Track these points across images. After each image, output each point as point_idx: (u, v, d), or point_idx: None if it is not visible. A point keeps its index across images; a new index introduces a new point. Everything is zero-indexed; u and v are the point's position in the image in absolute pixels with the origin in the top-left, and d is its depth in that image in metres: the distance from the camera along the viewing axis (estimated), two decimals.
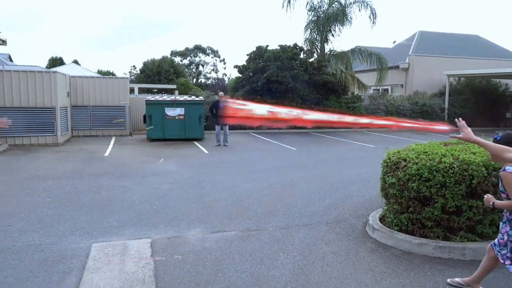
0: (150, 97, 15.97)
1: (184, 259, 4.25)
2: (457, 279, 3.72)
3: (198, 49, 62.57)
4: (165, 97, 16.65)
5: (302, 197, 6.85)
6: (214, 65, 64.08)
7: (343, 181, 8.16)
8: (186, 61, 61.69)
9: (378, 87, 24.21)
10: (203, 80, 61.86)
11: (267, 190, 7.39)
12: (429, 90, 23.79)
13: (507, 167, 3.10)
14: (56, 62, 58.97)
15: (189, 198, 6.72)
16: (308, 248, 4.58)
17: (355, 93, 21.36)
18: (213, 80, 61.14)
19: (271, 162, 10.57)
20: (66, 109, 14.26)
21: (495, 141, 3.36)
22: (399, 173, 4.64)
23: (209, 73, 64.37)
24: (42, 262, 4.13)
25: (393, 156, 4.95)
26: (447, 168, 4.31)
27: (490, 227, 4.38)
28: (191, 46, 62.26)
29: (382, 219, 5.23)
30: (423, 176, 4.39)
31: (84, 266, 4.05)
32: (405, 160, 4.72)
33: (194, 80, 59.53)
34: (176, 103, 14.83)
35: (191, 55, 62.63)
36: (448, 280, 3.75)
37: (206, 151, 12.28)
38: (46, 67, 49.67)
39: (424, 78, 24.21)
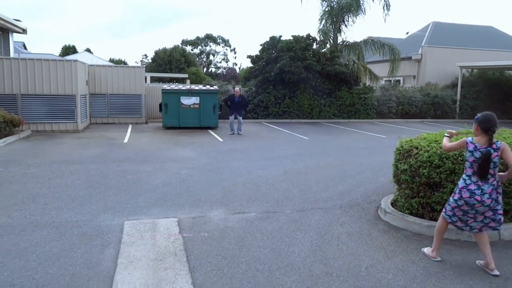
0: (166, 86, 16.32)
1: (210, 236, 4.63)
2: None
3: (209, 38, 62.76)
4: (181, 86, 17.00)
5: (317, 183, 7.18)
6: (225, 54, 64.27)
7: (355, 169, 8.46)
8: (197, 50, 61.96)
9: (390, 78, 24.24)
10: (213, 70, 62.16)
11: (282, 176, 7.73)
12: (441, 81, 23.79)
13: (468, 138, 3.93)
14: (69, 50, 59.66)
15: (209, 183, 7.09)
16: (324, 229, 4.92)
17: (367, 84, 21.48)
18: (224, 70, 61.41)
19: (285, 150, 10.89)
20: (85, 97, 14.71)
21: (475, 120, 3.94)
22: (411, 160, 4.94)
23: (220, 62, 64.61)
24: (82, 236, 4.53)
25: (405, 144, 5.24)
26: (456, 155, 4.60)
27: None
28: (202, 35, 62.46)
29: (393, 203, 5.54)
30: (434, 163, 4.68)
31: (120, 240, 4.45)
32: (417, 148, 5.01)
33: (205, 69, 59.84)
34: (191, 92, 15.18)
35: (202, 44, 62.86)
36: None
37: (220, 139, 12.64)
38: (59, 55, 50.37)
39: (437, 70, 24.20)
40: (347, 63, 20.08)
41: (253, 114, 18.91)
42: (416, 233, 4.77)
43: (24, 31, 17.77)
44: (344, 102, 19.95)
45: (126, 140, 11.93)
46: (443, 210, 4.07)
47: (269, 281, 3.59)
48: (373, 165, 8.71)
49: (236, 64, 64.50)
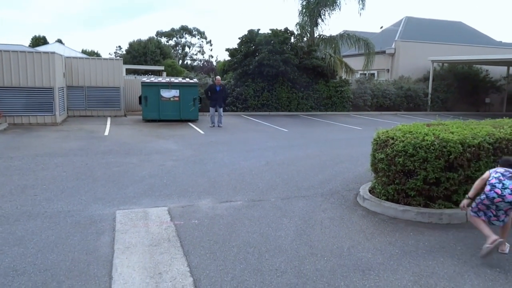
0: (145, 79, 16.28)
1: (200, 223, 4.87)
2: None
3: (185, 30, 62.16)
4: (160, 79, 16.99)
5: (298, 173, 7.50)
6: (201, 46, 63.85)
7: (334, 159, 8.83)
8: (172, 42, 61.30)
9: (365, 72, 24.87)
10: (189, 62, 61.70)
11: (265, 167, 8.02)
12: (414, 75, 24.60)
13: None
14: (39, 41, 57.76)
15: (194, 174, 7.30)
16: (307, 215, 5.24)
17: (343, 77, 22.00)
18: (199, 62, 61.04)
19: (266, 142, 11.18)
20: (63, 89, 14.52)
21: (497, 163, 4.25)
22: (387, 149, 5.31)
23: (195, 54, 64.18)
24: (76, 225, 4.68)
25: (382, 135, 5.61)
26: (429, 145, 4.99)
27: (464, 195, 5.08)
28: (177, 27, 61.80)
29: (371, 190, 5.92)
30: (408, 152, 5.06)
31: (113, 228, 4.63)
32: (392, 138, 5.38)
33: (180, 61, 59.30)
34: (171, 85, 15.22)
35: (177, 36, 62.22)
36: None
37: (202, 132, 12.80)
38: (29, 45, 48.71)
39: (410, 63, 25.00)
40: (323, 56, 20.50)
41: (232, 107, 19.09)
42: (392, 217, 5.16)
43: None
44: (321, 95, 20.39)
45: (106, 133, 11.93)
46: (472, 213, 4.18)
47: (259, 262, 3.87)
48: (351, 156, 9.11)
49: (212, 57, 64.23)
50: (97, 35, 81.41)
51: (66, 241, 4.22)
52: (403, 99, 22.23)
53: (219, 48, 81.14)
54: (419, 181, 5.04)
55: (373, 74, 26.14)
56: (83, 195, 5.83)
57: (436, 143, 4.99)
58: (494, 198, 3.91)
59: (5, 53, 12.62)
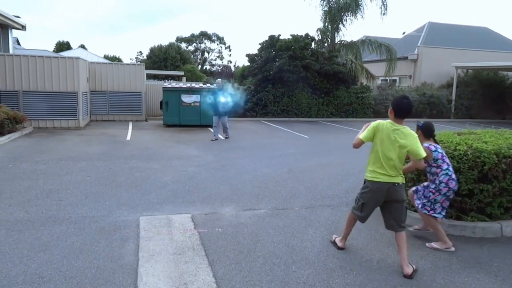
0: (166, 84, 16.41)
1: (224, 231, 4.79)
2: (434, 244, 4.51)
3: (204, 35, 62.78)
4: (181, 84, 17.11)
5: (322, 181, 7.36)
6: (220, 52, 64.35)
7: (357, 167, 8.65)
8: (191, 48, 61.95)
9: (387, 78, 24.52)
10: (208, 67, 62.20)
11: (287, 174, 7.91)
12: (437, 81, 24.13)
13: (425, 144, 4.39)
14: (63, 46, 59.23)
15: (216, 180, 7.25)
16: (333, 225, 5.10)
17: (364, 84, 21.73)
18: (218, 67, 61.45)
19: (287, 148, 11.07)
20: (86, 94, 14.76)
21: (418, 127, 4.53)
22: None
23: (214, 60, 64.70)
24: (100, 231, 4.67)
25: None
26: (462, 155, 4.80)
27: (498, 208, 4.88)
28: (196, 32, 62.43)
29: None
30: None
31: (137, 235, 4.59)
32: None
33: (200, 67, 59.83)
34: (192, 90, 15.29)
35: (197, 42, 62.88)
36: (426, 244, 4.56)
37: (222, 137, 12.77)
38: (53, 51, 49.96)
39: (432, 70, 24.55)
40: (345, 62, 20.31)
41: (252, 112, 19.08)
42: (421, 229, 4.97)
43: (23, 27, 17.75)
44: (342, 101, 20.17)
45: (129, 138, 12.03)
46: (430, 213, 4.49)
47: (286, 274, 3.77)
48: None
49: (231, 62, 64.67)
50: (118, 41, 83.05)
51: (91, 247, 4.20)
52: (426, 106, 21.77)
53: (238, 53, 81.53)
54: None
55: (394, 80, 25.77)
56: (107, 200, 5.84)
57: (469, 153, 4.80)
58: (455, 191, 4.51)
59: (31, 58, 12.92)
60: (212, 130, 12.76)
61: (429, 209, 4.51)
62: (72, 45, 59.23)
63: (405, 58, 24.91)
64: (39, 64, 12.91)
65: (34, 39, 79.54)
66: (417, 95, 21.87)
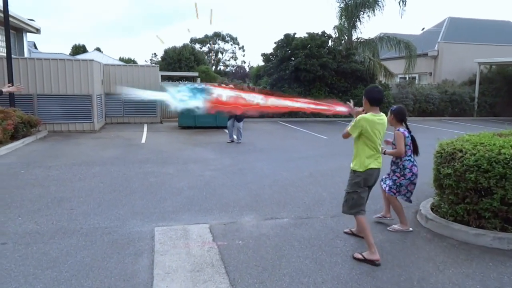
0: (182, 85, 16.14)
1: (245, 244, 4.41)
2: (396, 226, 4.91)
3: (217, 36, 62.62)
4: (196, 85, 16.82)
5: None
6: (233, 52, 64.12)
7: (382, 170, 8.16)
8: (205, 49, 61.87)
9: (405, 76, 23.82)
10: (222, 68, 62.04)
11: (308, 178, 7.50)
12: (458, 78, 23.33)
13: (400, 129, 4.76)
14: (79, 49, 59.91)
15: (234, 185, 6.89)
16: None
17: (383, 82, 21.11)
18: (232, 68, 61.23)
19: (306, 150, 10.65)
20: (101, 96, 14.60)
21: (391, 111, 4.85)
22: (455, 164, 4.66)
23: (228, 60, 64.51)
24: (113, 244, 4.35)
25: (447, 147, 4.97)
26: (508, 159, 4.32)
27: None
28: (210, 33, 62.34)
29: (433, 209, 5.28)
30: (482, 167, 4.41)
31: (152, 248, 4.26)
32: (461, 151, 4.73)
33: (214, 67, 59.70)
34: (207, 92, 14.96)
35: (210, 42, 62.75)
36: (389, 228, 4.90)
37: (238, 139, 12.41)
38: (70, 54, 50.57)
39: (454, 66, 23.74)
40: (362, 60, 19.74)
41: (268, 113, 18.67)
42: (462, 241, 4.51)
43: (37, 30, 17.76)
44: (360, 100, 19.49)
45: (143, 141, 11.78)
46: (394, 194, 4.89)
47: None
48: None
49: (244, 62, 64.38)
50: (133, 43, 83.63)
51: (102, 263, 3.88)
52: (448, 104, 21.08)
53: (251, 53, 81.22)
54: (496, 201, 4.37)
55: (414, 78, 25.02)
56: (121, 209, 5.53)
57: None
58: (417, 176, 4.87)
59: (45, 61, 12.79)
60: (227, 132, 12.42)
61: (395, 191, 4.88)
62: (88, 48, 59.90)
63: (425, 55, 24.15)
64: (53, 67, 12.76)
65: (51, 43, 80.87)
66: (438, 92, 21.19)
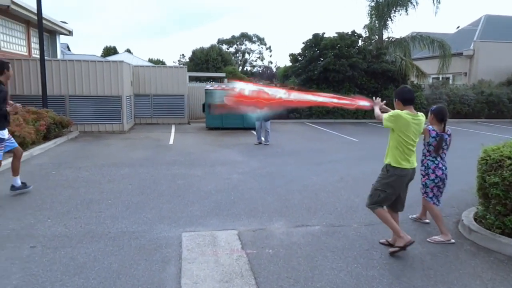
0: (209, 86, 16.13)
1: (276, 254, 4.22)
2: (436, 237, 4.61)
3: (245, 37, 62.75)
4: (224, 86, 16.77)
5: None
6: (260, 53, 64.06)
7: (417, 174, 7.79)
8: (232, 49, 62.08)
9: (438, 76, 23.01)
10: (248, 68, 62.06)
11: (339, 183, 7.23)
12: (495, 78, 22.34)
13: (430, 127, 4.71)
14: (110, 51, 61.35)
15: (262, 190, 6.71)
16: None
17: (414, 82, 20.45)
18: (259, 68, 61.14)
19: (335, 153, 10.35)
20: (130, 97, 14.76)
21: (431, 111, 4.79)
22: (504, 172, 4.32)
23: (255, 61, 64.49)
24: (140, 249, 4.25)
25: (493, 153, 4.62)
26: None
27: None
28: (237, 34, 62.53)
29: (477, 219, 4.93)
30: None
31: (180, 255, 4.13)
32: (509, 158, 4.38)
33: (240, 68, 59.81)
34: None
35: (237, 43, 62.92)
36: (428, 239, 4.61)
37: (266, 141, 12.23)
38: (101, 55, 51.84)
39: (490, 66, 22.75)
40: (394, 60, 19.18)
41: (295, 113, 18.43)
42: (511, 256, 4.16)
43: (70, 32, 18.17)
44: (391, 101, 18.97)
45: (171, 142, 11.79)
46: (423, 196, 4.80)
47: None
48: None
49: (271, 63, 64.18)
50: (162, 44, 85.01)
51: (129, 270, 3.78)
52: (484, 105, 20.20)
53: (278, 54, 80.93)
54: None
55: (447, 78, 24.13)
56: (148, 212, 5.46)
57: None
58: (444, 179, 4.74)
59: (77, 62, 13.02)
60: (255, 133, 12.26)
61: (423, 191, 4.78)
62: (118, 49, 61.26)
63: (460, 54, 23.26)
64: (84, 69, 12.98)
65: (84, 44, 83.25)
66: (473, 93, 20.33)
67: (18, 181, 6.10)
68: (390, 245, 4.45)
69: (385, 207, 4.31)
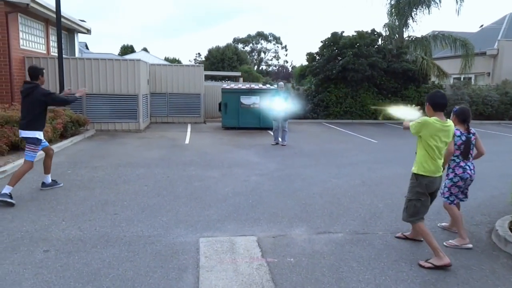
0: (225, 85, 15.98)
1: (298, 263, 4.00)
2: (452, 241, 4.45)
3: (260, 36, 62.54)
4: (240, 85, 16.60)
5: (403, 198, 6.31)
6: (276, 52, 63.77)
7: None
8: (248, 48, 61.95)
9: (460, 76, 22.38)
10: (264, 67, 61.84)
11: (361, 187, 6.96)
12: None
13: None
14: (127, 49, 61.97)
15: (282, 193, 6.48)
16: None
17: (435, 82, 19.91)
18: (275, 68, 60.85)
19: (356, 155, 10.05)
20: (146, 96, 14.70)
21: (453, 112, 4.73)
22: None
23: (271, 60, 64.26)
24: (156, 256, 4.08)
25: None
26: None
27: None
28: (253, 33, 62.38)
29: (511, 228, 4.61)
30: None
31: (197, 263, 3.94)
32: None
33: (256, 67, 59.63)
34: (251, 92, 14.68)
35: (253, 42, 62.76)
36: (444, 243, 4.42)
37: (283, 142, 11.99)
38: (118, 54, 52.31)
39: None
40: (414, 59, 18.69)
41: (312, 113, 18.14)
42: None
43: (88, 31, 18.22)
44: (411, 101, 18.51)
45: (187, 141, 11.66)
46: (445, 198, 4.60)
47: None
48: None
49: (287, 62, 63.82)
50: (178, 43, 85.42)
51: (145, 279, 3.60)
52: (508, 107, 19.57)
53: (294, 53, 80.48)
54: None
55: (470, 78, 23.46)
56: (164, 215, 5.29)
57: None
58: (467, 178, 4.54)
59: (94, 61, 13.01)
60: (272, 134, 12.04)
61: (441, 192, 4.54)
62: (135, 48, 61.83)
63: (483, 54, 22.59)
64: (102, 67, 12.95)
65: (102, 43, 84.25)
66: (497, 94, 19.68)
67: (49, 179, 6.40)
68: (406, 238, 4.54)
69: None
